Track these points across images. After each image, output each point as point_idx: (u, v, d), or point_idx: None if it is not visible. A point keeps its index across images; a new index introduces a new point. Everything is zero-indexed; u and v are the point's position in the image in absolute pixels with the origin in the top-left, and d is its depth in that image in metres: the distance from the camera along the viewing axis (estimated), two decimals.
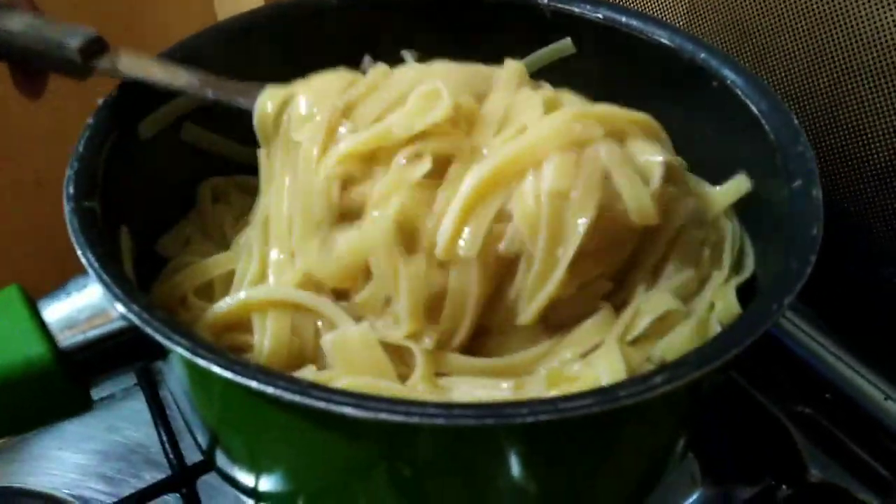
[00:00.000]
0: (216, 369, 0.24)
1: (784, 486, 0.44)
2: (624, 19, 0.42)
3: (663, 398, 0.24)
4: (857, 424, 0.46)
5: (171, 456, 0.42)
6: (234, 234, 0.39)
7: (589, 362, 0.31)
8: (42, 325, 0.28)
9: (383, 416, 0.24)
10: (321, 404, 0.24)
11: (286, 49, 0.43)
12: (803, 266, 0.27)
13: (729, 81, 0.38)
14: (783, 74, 0.46)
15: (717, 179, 0.39)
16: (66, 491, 0.45)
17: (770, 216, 0.35)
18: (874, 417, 0.46)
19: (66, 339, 0.28)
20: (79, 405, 0.29)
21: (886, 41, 0.39)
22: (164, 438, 0.42)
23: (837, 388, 0.47)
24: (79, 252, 0.27)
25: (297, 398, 0.24)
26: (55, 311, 0.28)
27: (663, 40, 0.41)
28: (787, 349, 0.49)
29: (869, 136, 0.42)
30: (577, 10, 0.43)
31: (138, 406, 0.46)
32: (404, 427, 0.25)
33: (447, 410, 0.24)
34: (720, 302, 0.34)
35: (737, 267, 0.36)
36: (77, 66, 0.36)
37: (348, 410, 0.24)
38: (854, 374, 0.47)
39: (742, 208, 0.38)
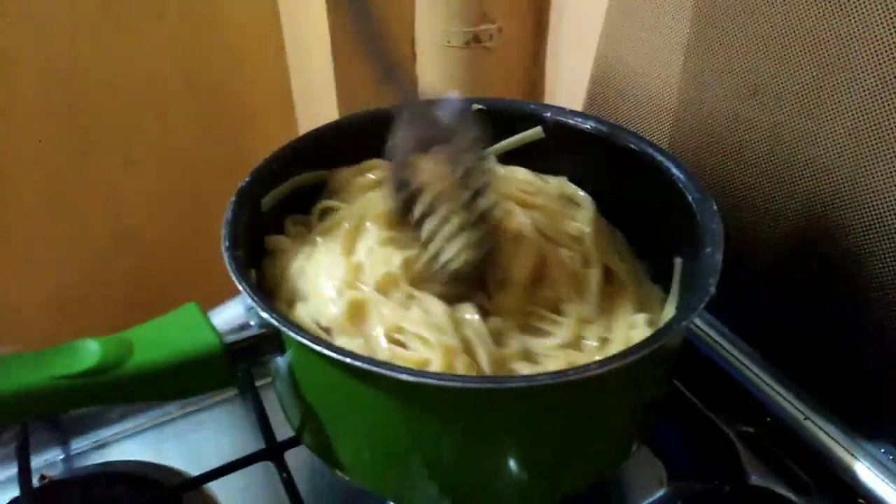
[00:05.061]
0: (325, 351, 0.37)
1: (728, 487, 0.55)
2: (605, 129, 0.55)
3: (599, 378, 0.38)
4: (785, 439, 0.56)
5: (265, 434, 0.54)
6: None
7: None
8: (213, 327, 0.42)
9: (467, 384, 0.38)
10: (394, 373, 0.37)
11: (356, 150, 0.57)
12: (698, 303, 0.40)
13: (674, 177, 0.50)
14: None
15: (662, 243, 0.52)
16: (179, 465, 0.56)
17: (691, 269, 0.48)
18: (797, 434, 0.56)
19: (226, 337, 0.42)
20: (229, 380, 0.43)
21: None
22: (260, 422, 0.55)
23: (770, 410, 0.58)
24: (237, 282, 0.41)
25: (379, 370, 0.37)
26: (219, 319, 0.43)
27: (632, 145, 0.54)
28: (736, 381, 0.60)
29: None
30: (571, 121, 0.56)
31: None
32: (460, 392, 0.38)
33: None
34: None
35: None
36: None
37: (432, 381, 0.37)
38: (781, 399, 0.58)
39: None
